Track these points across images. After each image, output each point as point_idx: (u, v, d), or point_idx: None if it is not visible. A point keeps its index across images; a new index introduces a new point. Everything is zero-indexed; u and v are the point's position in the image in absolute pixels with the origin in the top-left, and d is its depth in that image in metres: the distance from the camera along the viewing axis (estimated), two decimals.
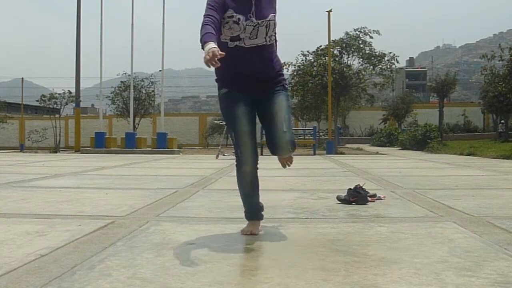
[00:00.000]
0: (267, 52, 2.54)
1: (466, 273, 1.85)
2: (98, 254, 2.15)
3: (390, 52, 16.63)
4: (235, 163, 2.58)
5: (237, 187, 2.65)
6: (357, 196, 3.72)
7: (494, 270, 1.89)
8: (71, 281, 1.76)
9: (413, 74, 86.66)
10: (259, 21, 2.47)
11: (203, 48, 2.23)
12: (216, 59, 2.12)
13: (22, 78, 42.33)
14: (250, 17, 2.46)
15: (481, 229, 2.70)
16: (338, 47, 16.61)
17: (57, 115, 20.98)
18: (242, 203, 2.70)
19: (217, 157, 11.81)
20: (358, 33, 16.40)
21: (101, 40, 18.90)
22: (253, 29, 2.46)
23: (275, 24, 2.53)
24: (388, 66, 16.53)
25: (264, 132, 2.61)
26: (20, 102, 40.18)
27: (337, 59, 16.46)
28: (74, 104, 20.16)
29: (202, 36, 2.27)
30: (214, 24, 2.34)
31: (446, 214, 3.27)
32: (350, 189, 3.80)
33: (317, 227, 2.83)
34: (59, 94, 20.00)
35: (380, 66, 16.48)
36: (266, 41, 2.51)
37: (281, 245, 2.37)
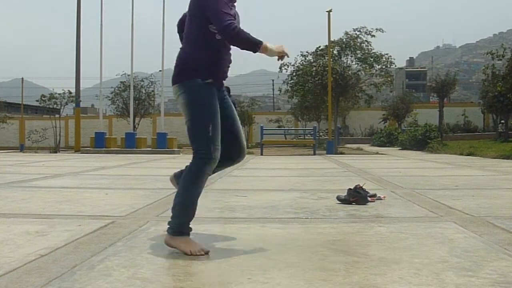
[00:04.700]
0: (230, 52, 2.51)
1: (466, 273, 1.85)
2: (98, 254, 2.15)
3: (387, 54, 16.63)
4: (198, 158, 2.28)
5: (192, 189, 2.30)
6: (357, 196, 3.72)
7: (494, 270, 1.89)
8: (71, 281, 1.76)
9: (413, 74, 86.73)
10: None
11: (256, 47, 2.26)
12: None
13: (22, 78, 42.36)
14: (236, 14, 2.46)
15: (481, 229, 2.71)
16: (338, 47, 16.61)
17: (57, 115, 20.97)
18: (178, 212, 2.29)
19: None
20: (358, 33, 16.39)
21: (101, 40, 18.87)
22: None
23: None
24: (385, 67, 16.52)
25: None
26: (20, 102, 40.22)
27: (336, 58, 16.46)
28: (74, 104, 20.12)
29: (252, 38, 2.26)
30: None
31: (446, 214, 3.27)
32: (350, 189, 3.80)
33: (317, 227, 2.83)
34: (59, 94, 19.98)
35: (379, 66, 16.47)
36: None
37: (281, 245, 2.37)
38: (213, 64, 2.38)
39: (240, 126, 2.54)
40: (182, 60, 2.40)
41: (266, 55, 2.34)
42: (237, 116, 2.53)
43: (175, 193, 2.36)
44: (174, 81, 2.41)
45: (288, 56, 2.39)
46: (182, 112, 2.39)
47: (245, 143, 2.55)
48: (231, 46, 2.45)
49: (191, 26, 2.40)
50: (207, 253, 2.19)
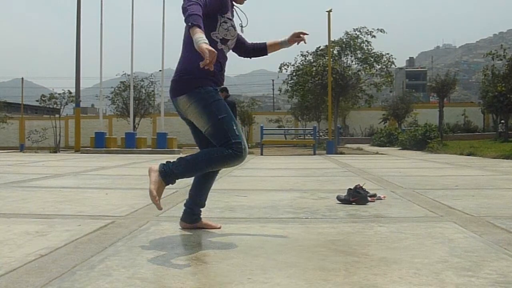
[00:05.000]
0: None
1: (466, 273, 1.85)
2: (98, 254, 2.15)
3: (387, 53, 16.63)
4: (230, 149, 2.35)
5: (209, 164, 2.39)
6: (357, 196, 3.72)
7: (494, 270, 1.89)
8: (71, 281, 1.76)
9: (413, 74, 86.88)
10: (238, 35, 2.60)
11: (188, 22, 2.17)
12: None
13: (22, 78, 42.39)
14: (240, 27, 2.60)
15: (481, 229, 2.71)
16: (338, 47, 16.61)
17: (57, 115, 20.99)
18: (184, 167, 2.38)
19: None
20: (358, 33, 16.39)
21: (101, 40, 18.88)
22: (235, 39, 2.55)
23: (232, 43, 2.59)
24: (385, 67, 16.53)
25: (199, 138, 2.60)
26: (20, 102, 40.26)
27: (336, 58, 16.46)
28: (74, 104, 20.15)
29: (191, 14, 2.15)
30: (202, 10, 2.23)
31: (446, 214, 3.27)
32: (350, 189, 3.81)
33: (317, 227, 2.83)
34: (59, 94, 20.02)
35: (380, 66, 16.47)
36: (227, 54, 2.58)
37: (281, 245, 2.37)
38: (216, 73, 2.45)
39: None
40: (188, 72, 2.41)
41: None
42: None
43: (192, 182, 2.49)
44: (180, 92, 2.41)
45: (207, 66, 2.11)
46: (199, 120, 2.41)
47: None
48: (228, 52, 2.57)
49: None
50: (160, 208, 2.38)
